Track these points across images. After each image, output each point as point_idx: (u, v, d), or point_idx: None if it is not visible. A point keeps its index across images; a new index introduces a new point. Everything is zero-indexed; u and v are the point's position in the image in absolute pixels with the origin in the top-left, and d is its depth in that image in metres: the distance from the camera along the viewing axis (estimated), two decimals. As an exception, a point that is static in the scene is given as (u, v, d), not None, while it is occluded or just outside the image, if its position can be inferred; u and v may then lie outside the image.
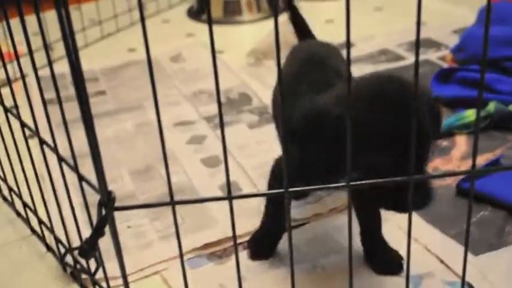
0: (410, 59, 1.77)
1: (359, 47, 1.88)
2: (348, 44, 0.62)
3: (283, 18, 2.00)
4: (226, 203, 1.10)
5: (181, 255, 0.73)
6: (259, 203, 1.15)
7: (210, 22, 0.59)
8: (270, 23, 2.09)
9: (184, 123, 1.49)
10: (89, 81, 1.76)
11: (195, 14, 2.30)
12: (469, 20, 1.92)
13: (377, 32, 1.98)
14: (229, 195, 0.71)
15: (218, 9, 2.23)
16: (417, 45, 0.59)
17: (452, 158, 1.28)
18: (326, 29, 2.06)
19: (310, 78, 0.97)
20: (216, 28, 2.17)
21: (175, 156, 1.35)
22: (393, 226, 1.08)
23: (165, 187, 1.23)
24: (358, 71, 1.70)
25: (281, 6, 2.29)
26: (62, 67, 1.81)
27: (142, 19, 0.58)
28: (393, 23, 2.07)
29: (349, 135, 0.62)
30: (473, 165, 0.68)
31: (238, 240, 1.08)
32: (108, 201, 0.67)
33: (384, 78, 0.81)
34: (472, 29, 1.81)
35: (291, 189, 0.66)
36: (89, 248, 0.71)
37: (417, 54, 0.59)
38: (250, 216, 1.11)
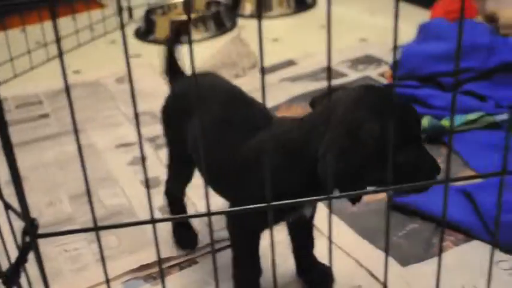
0: (352, 76, 1.82)
1: (301, 64, 1.92)
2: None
3: (229, 37, 2.04)
4: (163, 224, 1.12)
5: (107, 281, 0.74)
6: (196, 223, 1.17)
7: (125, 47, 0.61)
8: (217, 41, 2.12)
9: (126, 145, 1.50)
10: (33, 105, 1.77)
11: (142, 34, 2.32)
12: (410, 36, 1.98)
13: (320, 50, 2.02)
14: (153, 218, 0.72)
15: (164, 29, 2.25)
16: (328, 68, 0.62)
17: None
18: (272, 47, 2.10)
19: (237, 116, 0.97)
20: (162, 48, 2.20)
21: (116, 177, 1.36)
22: (326, 241, 1.11)
23: (103, 210, 1.25)
24: (300, 88, 1.73)
25: (227, 26, 2.33)
26: (5, 91, 1.83)
27: (61, 55, 0.59)
28: (337, 41, 2.11)
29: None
30: (391, 182, 0.71)
31: (175, 261, 1.10)
32: (31, 229, 0.68)
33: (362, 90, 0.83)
34: (410, 46, 1.86)
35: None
36: (12, 275, 0.72)
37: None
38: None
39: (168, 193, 1.15)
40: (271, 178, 0.85)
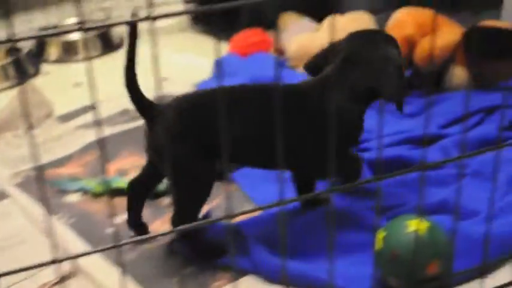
0: (150, 117, 1.82)
1: (100, 109, 1.90)
2: None
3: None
4: None
5: None
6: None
7: None
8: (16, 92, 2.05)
9: None
10: None
11: None
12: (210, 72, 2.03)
13: (121, 92, 2.00)
14: None
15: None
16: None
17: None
18: (74, 92, 2.08)
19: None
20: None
21: None
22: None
23: None
24: (94, 135, 1.72)
25: (30, 73, 2.27)
26: None
27: None
28: (139, 80, 2.11)
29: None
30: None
31: None
32: None
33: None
34: (205, 82, 1.91)
35: None
36: None
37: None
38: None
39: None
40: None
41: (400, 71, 1.11)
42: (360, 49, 1.13)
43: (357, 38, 1.16)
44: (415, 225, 0.99)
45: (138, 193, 1.23)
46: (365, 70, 1.12)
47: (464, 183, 1.29)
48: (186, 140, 1.10)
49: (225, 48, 2.21)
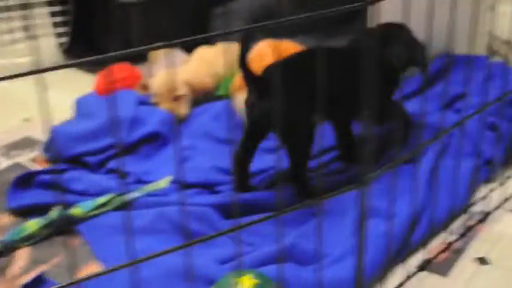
0: (2, 164, 1.71)
1: None
2: None
3: None
4: None
5: None
6: None
7: None
8: None
9: None
10: None
11: None
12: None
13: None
14: None
15: None
16: None
17: (7, 276, 1.23)
18: None
19: None
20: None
21: None
22: None
23: None
24: None
25: None
26: None
27: None
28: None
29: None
30: None
31: None
32: None
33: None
34: (61, 125, 1.81)
35: None
36: None
37: None
38: None
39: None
40: None
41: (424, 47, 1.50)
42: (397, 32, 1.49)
43: (392, 26, 1.49)
44: (243, 282, 0.94)
45: (243, 163, 1.40)
46: (403, 45, 1.46)
47: (314, 224, 1.26)
48: (297, 98, 1.30)
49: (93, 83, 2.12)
